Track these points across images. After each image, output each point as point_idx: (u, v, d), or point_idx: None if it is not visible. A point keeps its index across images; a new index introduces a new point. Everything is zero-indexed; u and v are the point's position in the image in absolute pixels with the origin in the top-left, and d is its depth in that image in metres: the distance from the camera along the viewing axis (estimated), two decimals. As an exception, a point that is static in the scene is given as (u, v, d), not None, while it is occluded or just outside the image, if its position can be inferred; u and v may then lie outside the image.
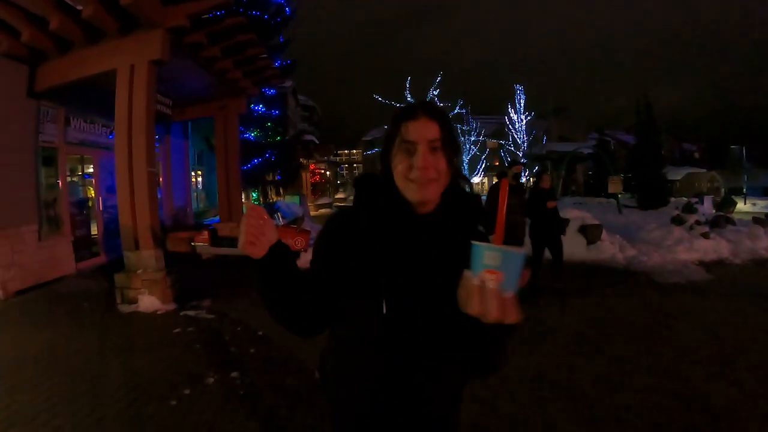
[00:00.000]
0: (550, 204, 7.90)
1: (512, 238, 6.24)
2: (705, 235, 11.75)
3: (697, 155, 61.29)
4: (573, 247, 11.06)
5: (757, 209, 26.91)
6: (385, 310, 1.36)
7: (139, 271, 7.50)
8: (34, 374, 4.87)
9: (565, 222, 11.81)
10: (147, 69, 7.57)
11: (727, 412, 3.83)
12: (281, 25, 11.45)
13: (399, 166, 1.39)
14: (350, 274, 1.40)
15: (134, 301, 7.41)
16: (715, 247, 11.32)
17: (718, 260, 10.73)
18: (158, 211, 8.09)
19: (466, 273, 1.08)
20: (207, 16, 8.26)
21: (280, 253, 1.35)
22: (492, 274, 1.05)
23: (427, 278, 1.32)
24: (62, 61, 8.45)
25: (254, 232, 1.27)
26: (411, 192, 1.38)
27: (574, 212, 12.38)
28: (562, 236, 8.48)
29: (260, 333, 6.10)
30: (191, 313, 7.08)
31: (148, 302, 7.31)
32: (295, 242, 11.29)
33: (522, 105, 49.26)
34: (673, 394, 4.17)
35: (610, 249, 11.21)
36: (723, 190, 42.85)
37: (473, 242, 1.09)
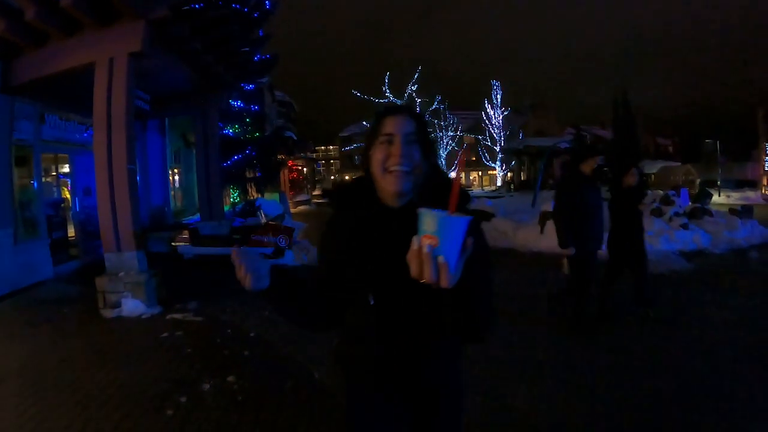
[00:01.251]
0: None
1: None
2: (684, 227, 11.97)
3: (671, 149, 62.14)
4: (556, 240, 11.06)
5: (731, 201, 28.03)
6: (372, 302, 1.56)
7: (121, 274, 7.19)
8: (19, 390, 4.57)
9: (548, 215, 11.84)
10: (127, 62, 7.28)
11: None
12: (261, 19, 11.15)
13: (377, 155, 1.54)
14: (343, 270, 1.62)
15: (117, 305, 7.09)
16: (694, 238, 11.59)
17: (698, 251, 11.05)
18: (139, 211, 7.79)
19: (413, 238, 1.14)
20: (188, 7, 7.97)
21: (279, 278, 1.55)
22: (429, 239, 1.10)
23: (403, 266, 1.28)
24: (38, 55, 8.11)
25: (248, 273, 1.47)
26: (388, 183, 1.52)
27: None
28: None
29: (252, 335, 5.89)
30: (178, 316, 6.80)
31: (132, 306, 6.99)
32: (279, 240, 11.05)
33: (499, 100, 49.75)
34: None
35: None
36: (698, 182, 43.49)
37: (418, 209, 1.15)
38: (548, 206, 12.09)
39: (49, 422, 3.84)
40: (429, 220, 1.12)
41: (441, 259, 1.10)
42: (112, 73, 7.33)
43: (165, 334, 6.03)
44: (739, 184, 47.14)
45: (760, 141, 42.00)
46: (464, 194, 1.50)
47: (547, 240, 11.47)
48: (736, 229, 12.28)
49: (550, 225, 11.47)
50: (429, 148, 1.60)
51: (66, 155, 11.19)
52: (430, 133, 1.69)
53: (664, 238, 11.43)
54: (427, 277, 1.12)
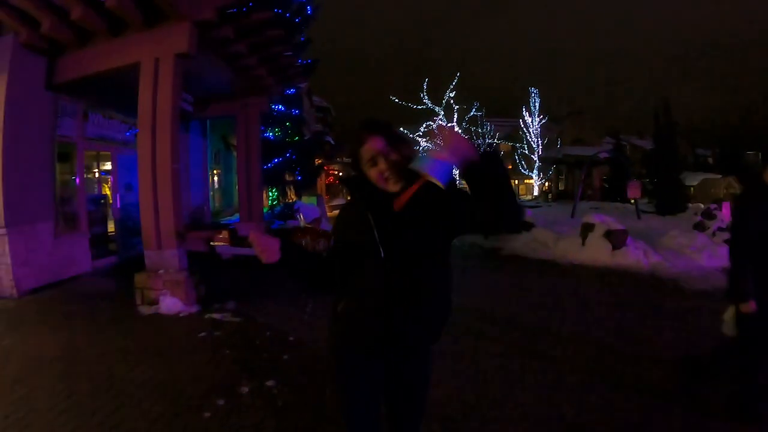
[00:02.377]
0: None
1: None
2: (727, 242, 11.21)
3: (710, 160, 60.62)
4: (598, 252, 11.09)
5: None
6: (382, 254, 1.94)
7: (161, 271, 7.22)
8: (52, 379, 4.60)
9: (590, 226, 11.81)
10: (173, 62, 7.29)
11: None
12: (302, 24, 11.15)
13: (372, 174, 1.98)
14: (358, 240, 2.00)
15: (155, 302, 7.13)
16: None
17: None
18: (182, 210, 7.83)
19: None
20: (233, 10, 7.99)
21: (288, 250, 2.00)
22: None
23: (405, 228, 1.94)
24: (83, 54, 8.17)
25: (263, 248, 1.93)
26: (389, 186, 1.97)
27: (599, 217, 12.14)
28: None
29: (291, 338, 5.82)
30: (216, 315, 6.78)
31: (170, 304, 7.01)
32: (317, 243, 11.05)
33: (536, 108, 48.98)
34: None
35: (634, 255, 10.89)
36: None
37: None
38: (589, 217, 12.11)
39: (82, 417, 3.82)
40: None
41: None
42: (158, 73, 7.35)
43: (203, 334, 6.02)
44: None
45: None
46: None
47: (588, 251, 11.35)
48: (778, 245, 11.67)
49: (592, 237, 11.54)
50: (403, 145, 1.99)
51: (108, 153, 11.30)
52: (398, 133, 2.01)
53: (706, 253, 11.06)
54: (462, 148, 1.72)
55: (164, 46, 7.34)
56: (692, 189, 41.15)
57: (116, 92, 9.18)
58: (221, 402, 4.04)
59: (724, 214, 18.33)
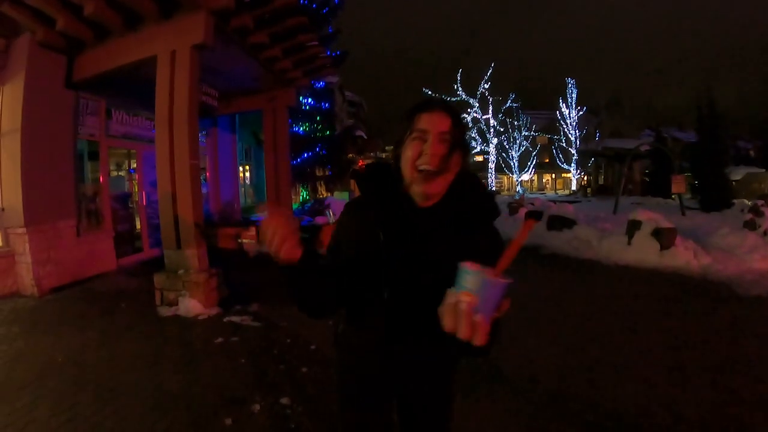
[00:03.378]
0: None
1: None
2: None
3: (752, 153, 58.72)
4: (645, 252, 10.48)
5: None
6: (386, 296, 1.56)
7: (180, 272, 6.92)
8: (59, 386, 4.36)
9: (637, 224, 11.15)
10: (189, 54, 6.99)
11: None
12: (329, 14, 10.85)
13: (409, 152, 1.51)
14: (357, 258, 1.58)
15: (174, 303, 6.85)
16: None
17: None
18: (202, 208, 7.53)
19: (448, 291, 1.17)
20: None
21: (308, 257, 1.48)
22: (467, 296, 1.12)
23: (424, 268, 1.47)
24: (100, 50, 8.01)
25: (280, 241, 1.40)
26: (417, 182, 1.51)
27: (647, 214, 11.45)
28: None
29: (312, 347, 5.40)
30: (236, 319, 6.43)
31: (190, 305, 6.70)
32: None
33: (574, 99, 48.20)
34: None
35: (684, 255, 10.21)
36: None
37: (460, 264, 1.15)
38: (636, 214, 11.42)
39: (84, 427, 3.57)
40: (471, 278, 1.13)
41: (479, 318, 1.12)
42: (174, 66, 7.08)
43: (220, 339, 5.67)
44: None
45: None
46: (493, 207, 1.60)
47: (634, 251, 10.75)
48: (835, 245, 10.91)
49: (639, 235, 10.91)
50: (463, 148, 1.56)
51: (133, 150, 11.20)
52: (466, 133, 1.60)
53: (759, 254, 10.24)
54: (464, 334, 1.13)
55: (180, 37, 7.08)
56: (734, 184, 39.86)
57: (139, 89, 8.95)
58: (229, 421, 3.67)
59: None
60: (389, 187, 1.62)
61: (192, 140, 7.04)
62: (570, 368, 4.77)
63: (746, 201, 25.43)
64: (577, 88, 48.39)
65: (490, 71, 42.11)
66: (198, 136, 7.33)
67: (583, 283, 8.74)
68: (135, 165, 11.38)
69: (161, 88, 7.13)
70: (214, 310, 6.76)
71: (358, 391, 1.83)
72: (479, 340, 1.12)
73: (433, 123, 1.48)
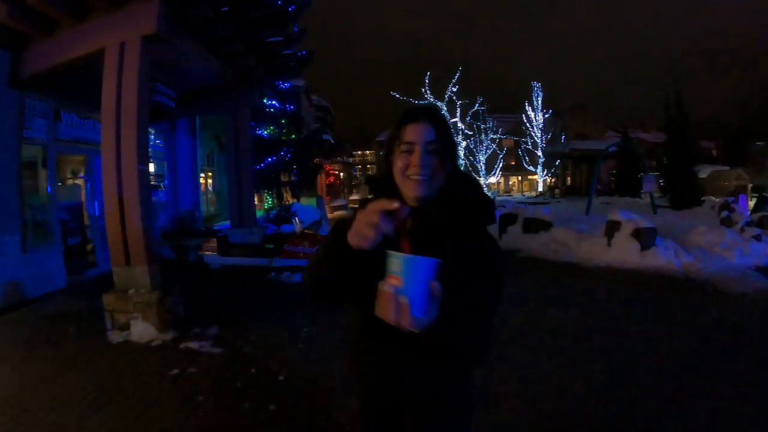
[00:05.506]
0: None
1: None
2: (757, 238, 11.14)
3: (714, 152, 60.66)
4: (626, 253, 10.41)
5: None
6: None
7: (131, 291, 6.14)
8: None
9: (616, 225, 11.02)
10: (140, 47, 6.30)
11: None
12: (296, 12, 10.20)
13: (398, 164, 1.52)
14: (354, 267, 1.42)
15: (126, 327, 6.07)
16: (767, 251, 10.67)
17: None
18: (153, 219, 6.79)
19: (381, 282, 1.18)
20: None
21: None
22: (393, 278, 1.14)
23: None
24: (47, 45, 7.30)
25: (374, 233, 1.27)
26: (408, 188, 1.50)
27: (627, 215, 11.31)
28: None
29: (281, 378, 4.74)
30: (194, 345, 5.67)
31: (142, 330, 5.94)
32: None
33: (540, 102, 49.03)
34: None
35: (665, 255, 10.10)
36: (749, 188, 42.07)
37: (387, 250, 1.18)
38: (614, 215, 11.32)
39: None
40: (394, 260, 1.15)
41: (402, 299, 1.11)
42: (124, 59, 6.37)
43: (176, 371, 4.94)
44: None
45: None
46: (487, 211, 1.58)
47: (614, 253, 10.60)
48: (808, 241, 11.32)
49: (618, 236, 10.80)
50: (450, 152, 1.56)
51: (84, 156, 10.39)
52: (451, 136, 1.59)
53: (738, 251, 10.46)
54: (390, 317, 1.15)
55: (130, 28, 6.40)
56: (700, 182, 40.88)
57: (92, 89, 8.22)
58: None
59: (741, 206, 17.88)
60: (391, 189, 1.56)
61: (141, 143, 6.33)
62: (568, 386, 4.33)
63: (713, 198, 26.08)
64: (542, 92, 49.09)
65: (457, 75, 42.21)
66: (148, 138, 6.71)
67: (566, 287, 8.59)
68: (86, 171, 10.57)
69: (108, 84, 6.42)
70: (170, 335, 6.01)
71: (367, 400, 1.73)
72: (406, 322, 1.13)
73: (418, 134, 1.50)
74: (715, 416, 3.84)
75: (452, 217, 1.52)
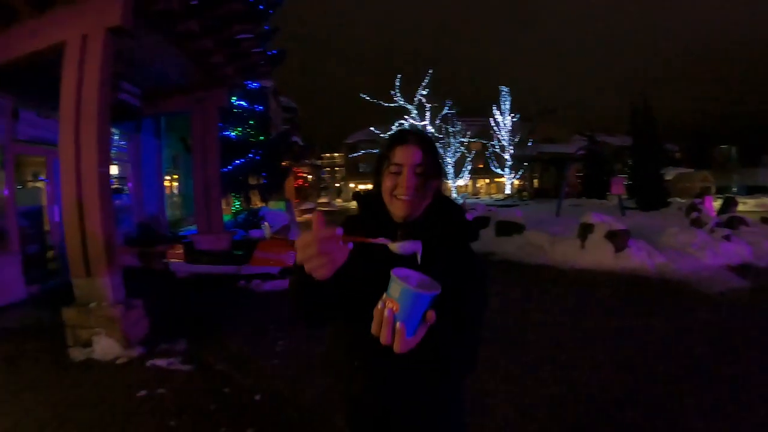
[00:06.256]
0: None
1: None
2: (727, 238, 11.47)
3: (678, 155, 62.40)
4: (600, 255, 10.67)
5: (749, 208, 27.04)
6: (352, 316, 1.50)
7: (93, 305, 5.65)
8: None
9: (589, 227, 11.28)
10: (103, 40, 5.83)
11: None
12: (267, 10, 9.87)
13: (387, 183, 1.58)
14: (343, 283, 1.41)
15: (89, 343, 5.57)
16: (737, 251, 10.97)
17: (742, 264, 10.32)
18: (114, 225, 6.26)
19: (382, 298, 1.16)
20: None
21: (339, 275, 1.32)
22: (391, 303, 1.12)
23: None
24: (4, 37, 6.72)
25: (327, 259, 1.23)
26: (396, 208, 1.58)
27: (599, 217, 11.51)
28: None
29: (257, 398, 4.37)
30: (161, 362, 5.25)
31: (106, 347, 5.46)
32: (287, 257, 9.70)
33: (508, 107, 49.74)
34: None
35: (638, 256, 10.38)
36: (713, 189, 43.20)
37: (392, 270, 1.14)
38: (587, 217, 11.56)
39: None
40: (395, 285, 1.11)
41: (398, 325, 1.11)
42: (85, 53, 5.90)
43: (143, 392, 4.51)
44: (751, 190, 47.69)
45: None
46: (471, 230, 1.64)
47: (589, 254, 10.82)
48: (776, 240, 11.63)
49: (592, 238, 11.03)
50: (437, 173, 1.62)
51: (45, 157, 9.87)
52: (438, 159, 1.65)
53: (710, 251, 10.72)
54: (383, 338, 1.15)
55: (94, 19, 5.91)
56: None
57: (52, 85, 7.77)
58: None
59: (707, 207, 18.19)
60: (378, 207, 1.66)
61: (103, 143, 5.88)
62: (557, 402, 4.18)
63: (679, 199, 26.67)
64: (510, 96, 49.81)
65: (427, 79, 42.34)
66: (110, 138, 6.25)
67: (544, 291, 8.59)
68: (47, 174, 10.04)
69: (68, 80, 5.95)
70: (136, 351, 5.55)
71: (353, 417, 1.69)
72: (398, 347, 1.13)
73: (407, 157, 1.56)
74: (707, 416, 3.85)
75: (440, 232, 1.58)
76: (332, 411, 3.84)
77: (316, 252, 1.20)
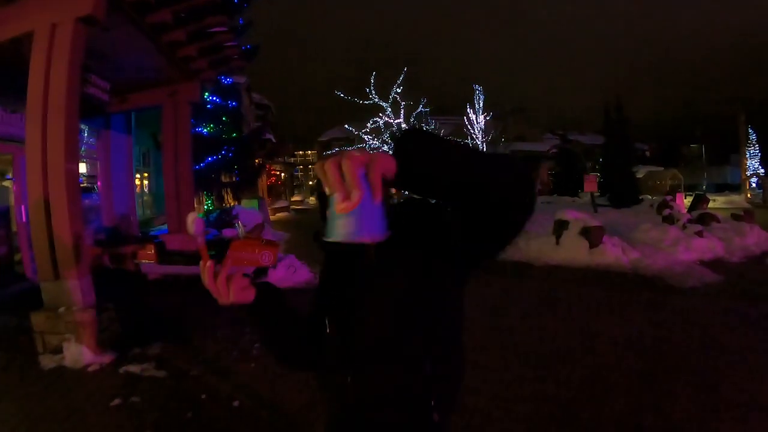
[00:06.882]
0: None
1: None
2: (699, 234, 11.64)
3: (647, 154, 63.46)
4: (575, 251, 10.78)
5: (718, 205, 27.39)
6: (328, 330, 1.45)
7: (62, 310, 5.37)
8: None
9: (564, 224, 11.44)
10: (73, 30, 5.58)
11: None
12: (241, 4, 9.63)
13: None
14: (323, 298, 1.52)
15: (58, 350, 5.31)
16: (709, 246, 11.18)
17: (715, 259, 10.53)
18: (83, 225, 5.99)
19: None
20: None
21: (266, 292, 1.44)
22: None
23: (363, 301, 1.38)
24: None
25: (224, 291, 1.30)
26: None
27: (574, 214, 11.71)
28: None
29: (236, 404, 4.18)
30: (134, 368, 5.01)
31: (76, 353, 5.19)
32: (262, 257, 9.45)
33: (481, 105, 49.77)
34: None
35: (613, 252, 10.52)
36: (682, 186, 44.10)
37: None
38: (562, 214, 11.80)
39: None
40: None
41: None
42: (53, 43, 5.63)
43: (117, 401, 4.28)
44: (719, 188, 48.84)
45: (741, 145, 41.68)
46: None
47: (564, 251, 10.96)
48: (745, 235, 11.93)
49: (567, 235, 11.15)
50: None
51: (12, 155, 9.54)
52: None
53: (682, 247, 10.99)
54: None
55: (64, 8, 5.65)
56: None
57: (20, 79, 7.44)
58: None
59: (679, 204, 18.48)
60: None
61: (70, 138, 5.60)
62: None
63: (649, 196, 27.07)
64: (483, 95, 49.87)
65: (402, 76, 42.17)
66: (78, 133, 5.94)
67: (521, 287, 8.66)
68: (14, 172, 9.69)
69: (35, 72, 5.68)
70: (108, 357, 5.29)
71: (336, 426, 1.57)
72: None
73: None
74: (687, 409, 3.85)
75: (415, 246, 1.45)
76: (315, 416, 3.74)
77: (207, 286, 1.26)
